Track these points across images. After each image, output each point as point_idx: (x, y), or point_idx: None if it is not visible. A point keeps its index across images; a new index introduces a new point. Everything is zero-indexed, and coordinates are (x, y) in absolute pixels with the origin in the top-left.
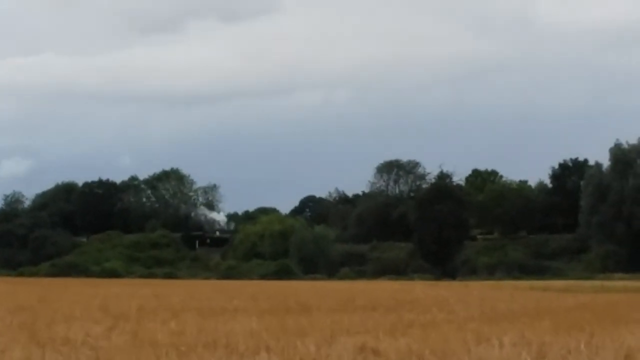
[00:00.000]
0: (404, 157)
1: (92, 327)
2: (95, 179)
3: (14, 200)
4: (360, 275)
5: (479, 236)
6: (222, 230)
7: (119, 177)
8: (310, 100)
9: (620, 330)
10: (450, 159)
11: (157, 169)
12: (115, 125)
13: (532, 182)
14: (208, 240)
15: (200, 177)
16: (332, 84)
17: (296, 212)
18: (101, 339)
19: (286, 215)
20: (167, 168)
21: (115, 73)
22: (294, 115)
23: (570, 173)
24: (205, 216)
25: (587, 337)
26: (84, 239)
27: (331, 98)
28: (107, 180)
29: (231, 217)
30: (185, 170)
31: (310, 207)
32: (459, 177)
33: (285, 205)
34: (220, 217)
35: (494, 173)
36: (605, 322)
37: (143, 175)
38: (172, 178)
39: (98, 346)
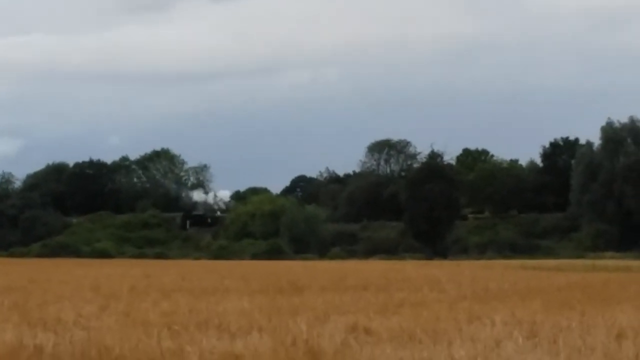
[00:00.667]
0: (395, 137)
1: (84, 307)
2: (84, 158)
3: (4, 181)
4: (351, 254)
5: (469, 215)
6: (221, 210)
7: (108, 157)
8: (299, 79)
9: (611, 309)
10: (441, 138)
11: (146, 149)
12: (104, 105)
13: (523, 161)
14: (209, 220)
15: (190, 157)
16: (321, 63)
17: (287, 191)
18: (93, 319)
19: (277, 195)
20: (156, 148)
21: (105, 52)
22: (283, 95)
23: (561, 152)
24: (210, 195)
25: (578, 316)
26: (75, 220)
27: (320, 77)
28: (98, 160)
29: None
30: (175, 150)
31: (301, 187)
32: (450, 156)
33: (276, 185)
34: (224, 194)
35: (484, 152)
36: (596, 300)
37: (132, 154)
38: (162, 158)
39: (89, 326)
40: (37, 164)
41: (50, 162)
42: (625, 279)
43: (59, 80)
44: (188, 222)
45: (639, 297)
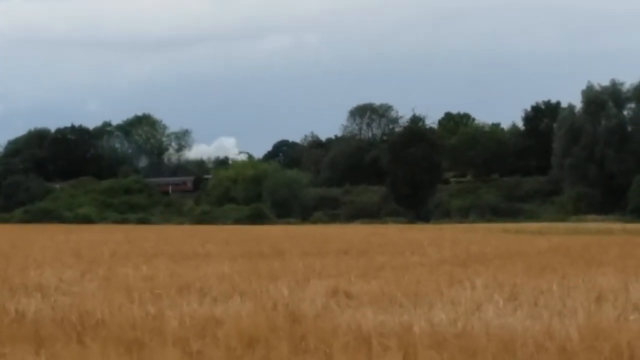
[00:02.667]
0: (377, 101)
1: (65, 273)
2: (65, 124)
3: None
4: (334, 219)
5: (452, 179)
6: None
7: (87, 123)
8: (280, 44)
9: (592, 271)
10: (423, 102)
11: (126, 115)
12: (83, 71)
13: (505, 125)
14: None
15: (171, 122)
16: (303, 28)
17: (269, 156)
18: (74, 284)
19: (259, 160)
20: (137, 114)
21: (85, 18)
22: (265, 60)
23: (543, 115)
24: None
25: (559, 279)
26: (57, 185)
27: (302, 42)
28: (80, 126)
29: (204, 162)
30: (156, 115)
31: (284, 152)
32: (432, 120)
33: (259, 150)
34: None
35: (466, 116)
36: (577, 263)
37: (113, 120)
38: (144, 123)
39: (71, 291)
40: (17, 130)
41: (32, 128)
42: (606, 241)
43: (39, 46)
44: (170, 188)
45: (620, 259)
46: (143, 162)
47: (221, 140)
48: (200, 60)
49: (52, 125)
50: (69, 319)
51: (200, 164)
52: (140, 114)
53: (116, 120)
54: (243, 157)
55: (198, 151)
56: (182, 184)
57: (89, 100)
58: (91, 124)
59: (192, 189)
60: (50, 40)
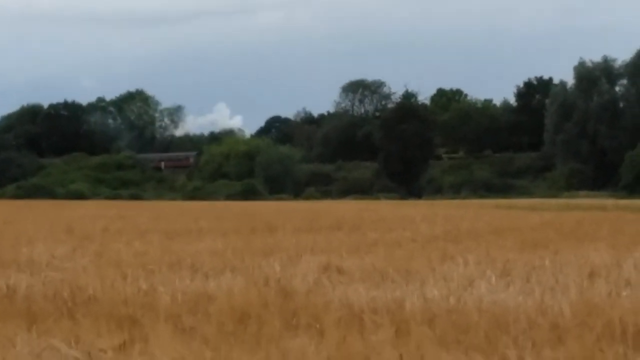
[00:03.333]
0: (369, 77)
1: (57, 249)
2: (57, 100)
3: None
4: (326, 195)
5: (444, 155)
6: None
7: (82, 98)
8: (272, 19)
9: (584, 247)
10: (416, 78)
11: (119, 91)
12: (77, 47)
13: (497, 101)
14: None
15: (164, 98)
16: (293, 4)
17: (262, 132)
18: (66, 260)
19: (252, 136)
20: (130, 89)
21: None
22: (257, 35)
23: (535, 91)
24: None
25: (552, 255)
26: (50, 161)
27: (294, 18)
28: (73, 102)
29: (197, 138)
30: (149, 91)
31: (276, 128)
32: (424, 96)
33: (251, 125)
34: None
35: (459, 92)
36: (569, 239)
37: (106, 96)
38: (137, 99)
39: (63, 267)
40: (10, 107)
41: (25, 104)
42: (598, 217)
43: (32, 21)
44: (163, 164)
45: (612, 235)
46: (135, 137)
47: (219, 107)
48: (193, 36)
49: (46, 101)
50: (61, 295)
51: (193, 140)
52: (131, 89)
53: (109, 96)
54: (238, 121)
55: (195, 124)
56: (185, 159)
57: (82, 77)
58: (84, 100)
59: (195, 164)
60: (43, 16)
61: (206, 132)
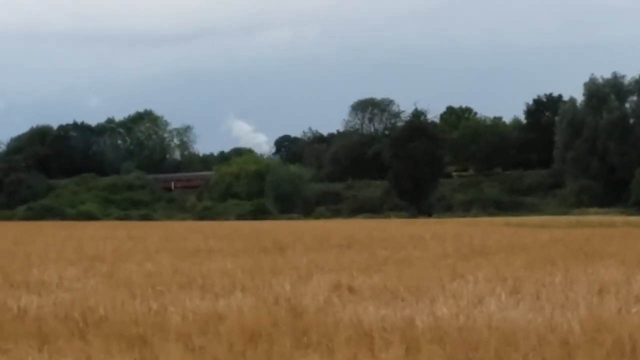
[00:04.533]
0: (379, 95)
1: (67, 269)
2: (65, 120)
3: None
4: (336, 214)
5: (454, 173)
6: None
7: (88, 118)
8: (280, 38)
9: (594, 264)
10: (425, 96)
11: (126, 111)
12: (84, 67)
13: (507, 118)
14: None
15: (172, 118)
16: (302, 22)
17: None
18: (76, 280)
19: (261, 155)
20: (137, 110)
21: (85, 14)
22: (265, 54)
23: (545, 108)
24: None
25: (562, 272)
26: (60, 182)
27: (301, 36)
28: (82, 123)
29: (206, 158)
30: (158, 111)
31: (286, 147)
32: (434, 114)
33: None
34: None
35: (468, 110)
36: (579, 256)
37: (113, 116)
38: (146, 120)
39: (73, 288)
40: (17, 126)
41: (34, 125)
42: (608, 234)
43: (39, 41)
44: (173, 184)
45: (622, 252)
46: (145, 158)
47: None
48: (201, 55)
49: (53, 121)
50: (72, 316)
51: (203, 160)
52: (141, 110)
53: (118, 116)
54: (261, 138)
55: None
56: (195, 179)
57: (90, 97)
58: (92, 120)
59: (205, 184)
60: (51, 36)
61: (227, 149)
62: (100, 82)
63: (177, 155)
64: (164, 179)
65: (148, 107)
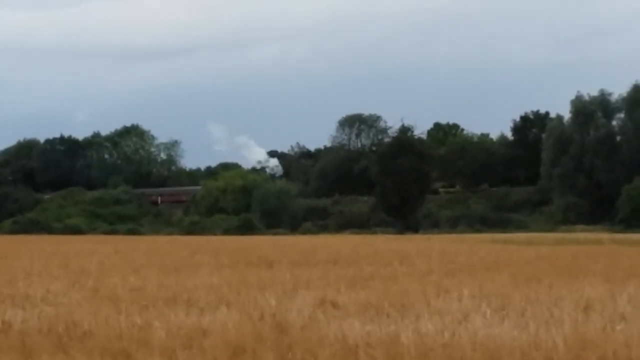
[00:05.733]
0: (366, 111)
1: (52, 283)
2: (52, 134)
3: None
4: (323, 229)
5: (441, 189)
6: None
7: (75, 133)
8: (269, 54)
9: (579, 281)
10: (412, 112)
11: (113, 125)
12: (71, 81)
13: (494, 135)
14: None
15: (159, 133)
16: (291, 38)
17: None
18: (61, 295)
19: (248, 171)
20: (125, 124)
21: (72, 28)
22: (253, 69)
23: (532, 125)
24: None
25: (547, 289)
26: (46, 196)
27: (290, 52)
28: (69, 136)
29: (193, 172)
30: (144, 126)
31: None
32: (421, 130)
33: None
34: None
35: (455, 126)
36: (565, 274)
37: (100, 130)
38: (133, 134)
39: (58, 302)
40: (3, 140)
41: (22, 139)
42: (594, 251)
43: (26, 56)
44: (159, 198)
45: (608, 269)
46: (132, 172)
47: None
48: (188, 71)
49: (40, 134)
50: (56, 330)
51: (190, 174)
52: (128, 124)
53: (105, 130)
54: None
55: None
56: (182, 194)
57: (77, 110)
58: (79, 134)
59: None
60: (38, 50)
61: (203, 167)
62: (87, 97)
63: (164, 169)
64: (151, 193)
65: (135, 122)
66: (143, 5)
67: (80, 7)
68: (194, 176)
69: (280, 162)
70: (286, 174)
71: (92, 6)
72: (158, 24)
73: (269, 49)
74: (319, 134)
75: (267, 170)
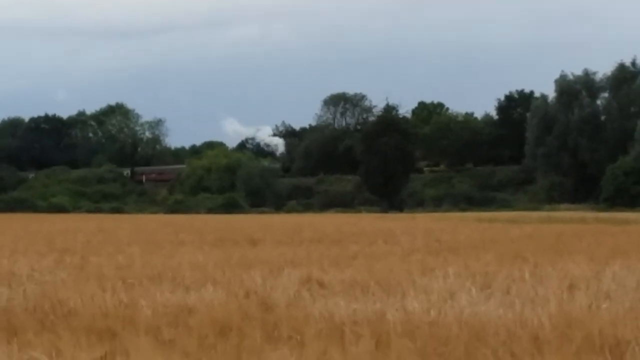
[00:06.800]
0: (351, 90)
1: (38, 262)
2: (32, 112)
3: None
4: (308, 208)
5: (425, 168)
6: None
7: (56, 111)
8: (249, 32)
9: (564, 259)
10: (397, 91)
11: (95, 103)
12: (50, 60)
13: (478, 114)
14: None
15: (142, 112)
16: (272, 16)
17: (243, 146)
18: (46, 273)
19: (233, 149)
20: (106, 103)
21: (50, 6)
22: (235, 48)
23: (516, 105)
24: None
25: (532, 267)
26: (31, 175)
27: (271, 30)
28: (54, 115)
29: (178, 151)
30: (128, 104)
31: (258, 142)
32: (405, 109)
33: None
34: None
35: (440, 105)
36: (549, 252)
37: (82, 109)
38: (117, 113)
39: (43, 280)
40: None
41: (6, 118)
42: (579, 230)
43: (7, 34)
44: (144, 177)
45: (592, 248)
46: (116, 151)
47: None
48: (169, 49)
49: (21, 113)
50: (41, 308)
51: (175, 153)
52: (110, 103)
53: (88, 109)
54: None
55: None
56: (167, 173)
57: (58, 89)
58: (64, 113)
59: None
60: (19, 29)
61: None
62: (66, 75)
63: (148, 148)
64: (136, 171)
65: (115, 100)
66: None
67: None
68: (179, 155)
69: (286, 143)
70: (270, 152)
71: None
72: (138, 2)
73: (251, 27)
74: (304, 113)
75: (272, 149)
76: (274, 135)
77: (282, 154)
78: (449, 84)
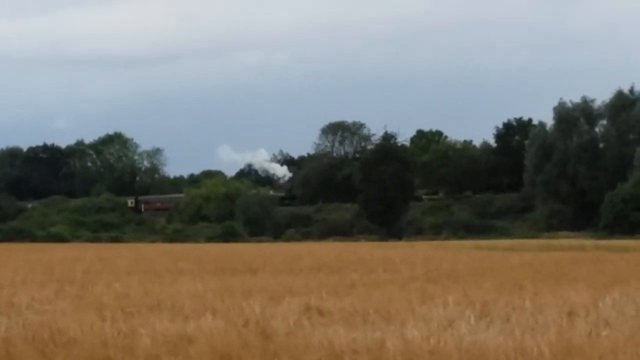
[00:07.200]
0: (349, 119)
1: (37, 291)
2: (32, 142)
3: None
4: (306, 236)
5: (424, 196)
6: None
7: (55, 140)
8: (249, 61)
9: (563, 287)
10: (395, 119)
11: (95, 133)
12: (50, 89)
13: (477, 142)
14: None
15: (141, 141)
16: (271, 45)
17: (242, 174)
18: (46, 302)
19: (231, 178)
20: (105, 132)
21: (52, 36)
22: (234, 77)
23: (515, 132)
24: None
25: (531, 295)
26: (29, 204)
27: (271, 59)
28: (52, 145)
29: (176, 180)
30: (127, 134)
31: (256, 170)
32: (404, 137)
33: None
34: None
35: (438, 133)
36: (549, 280)
37: (81, 138)
38: (116, 142)
39: (43, 310)
40: None
41: (4, 147)
42: (578, 257)
43: (6, 64)
44: (142, 206)
45: (592, 275)
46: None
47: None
48: (169, 78)
49: (20, 142)
50: (41, 338)
51: (173, 182)
52: (111, 132)
53: (86, 138)
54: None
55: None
56: (165, 202)
57: (56, 118)
58: (60, 141)
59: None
60: (17, 59)
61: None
62: (66, 104)
63: (147, 177)
64: (139, 201)
65: (115, 130)
66: (121, 13)
67: (58, 14)
68: (177, 184)
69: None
70: (269, 181)
71: (70, 14)
72: (137, 32)
73: (250, 56)
74: (302, 142)
75: (276, 177)
76: (271, 161)
77: (284, 182)
78: (448, 112)
